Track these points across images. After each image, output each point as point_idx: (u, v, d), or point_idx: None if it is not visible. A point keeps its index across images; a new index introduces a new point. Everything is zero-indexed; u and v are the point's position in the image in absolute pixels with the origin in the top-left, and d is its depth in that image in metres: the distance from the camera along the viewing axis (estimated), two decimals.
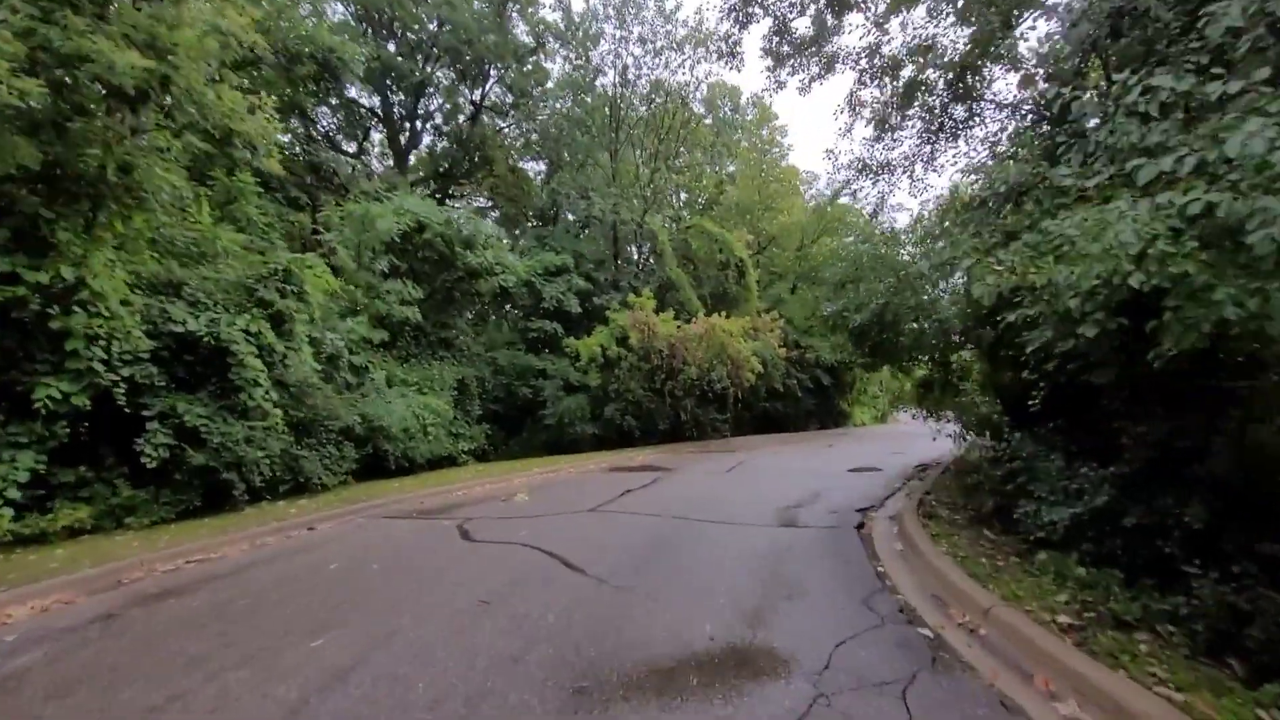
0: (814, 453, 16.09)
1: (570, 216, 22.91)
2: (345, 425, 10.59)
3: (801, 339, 26.91)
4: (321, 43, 14.37)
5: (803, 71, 11.52)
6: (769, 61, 11.63)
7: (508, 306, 19.52)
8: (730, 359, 18.61)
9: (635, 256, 22.18)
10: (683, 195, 30.86)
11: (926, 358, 10.43)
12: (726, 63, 19.58)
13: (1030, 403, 5.97)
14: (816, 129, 74.24)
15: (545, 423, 17.55)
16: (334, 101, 20.57)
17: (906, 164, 11.15)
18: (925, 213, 10.62)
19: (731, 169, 34.02)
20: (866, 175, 12.02)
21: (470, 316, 17.27)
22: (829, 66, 11.27)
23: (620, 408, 18.16)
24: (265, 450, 8.38)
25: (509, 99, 22.88)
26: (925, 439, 21.90)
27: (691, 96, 24.68)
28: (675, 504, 8.45)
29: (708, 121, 33.46)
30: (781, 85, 11.95)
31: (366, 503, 8.79)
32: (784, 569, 5.35)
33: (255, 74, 12.71)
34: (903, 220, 21.55)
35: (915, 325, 8.91)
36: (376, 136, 23.86)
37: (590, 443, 17.94)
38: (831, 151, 37.10)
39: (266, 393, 8.39)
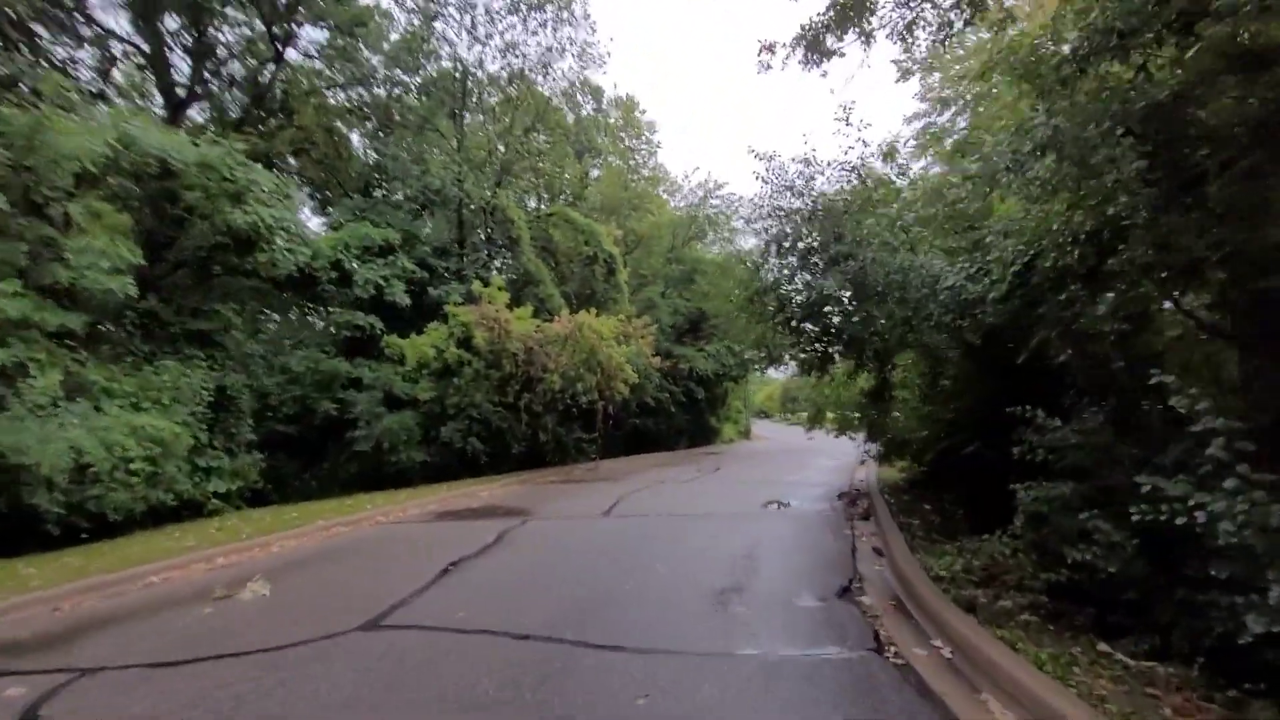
0: (703, 479, 13.31)
1: (403, 195, 18.56)
2: None
3: (674, 348, 24.54)
4: None
5: None
6: None
7: (311, 295, 14.73)
8: (601, 366, 15.43)
9: (485, 243, 18.28)
10: (544, 193, 27.43)
11: (888, 360, 7.95)
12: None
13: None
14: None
15: (357, 448, 13.10)
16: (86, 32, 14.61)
17: None
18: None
19: (597, 173, 31.30)
20: None
21: (246, 304, 12.39)
22: None
23: (462, 427, 14.20)
24: None
25: (327, 41, 18.09)
26: (805, 456, 20.42)
27: (551, 76, 21.53)
28: (530, 598, 4.94)
29: (570, 119, 30.57)
30: None
31: None
32: None
33: None
34: None
35: (917, 296, 6.27)
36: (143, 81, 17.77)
37: (421, 473, 13.76)
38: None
39: None
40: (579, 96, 32.77)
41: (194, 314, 11.04)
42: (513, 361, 14.20)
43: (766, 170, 8.44)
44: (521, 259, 17.47)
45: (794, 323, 8.01)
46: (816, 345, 8.45)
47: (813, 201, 7.85)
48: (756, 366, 28.16)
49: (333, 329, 14.75)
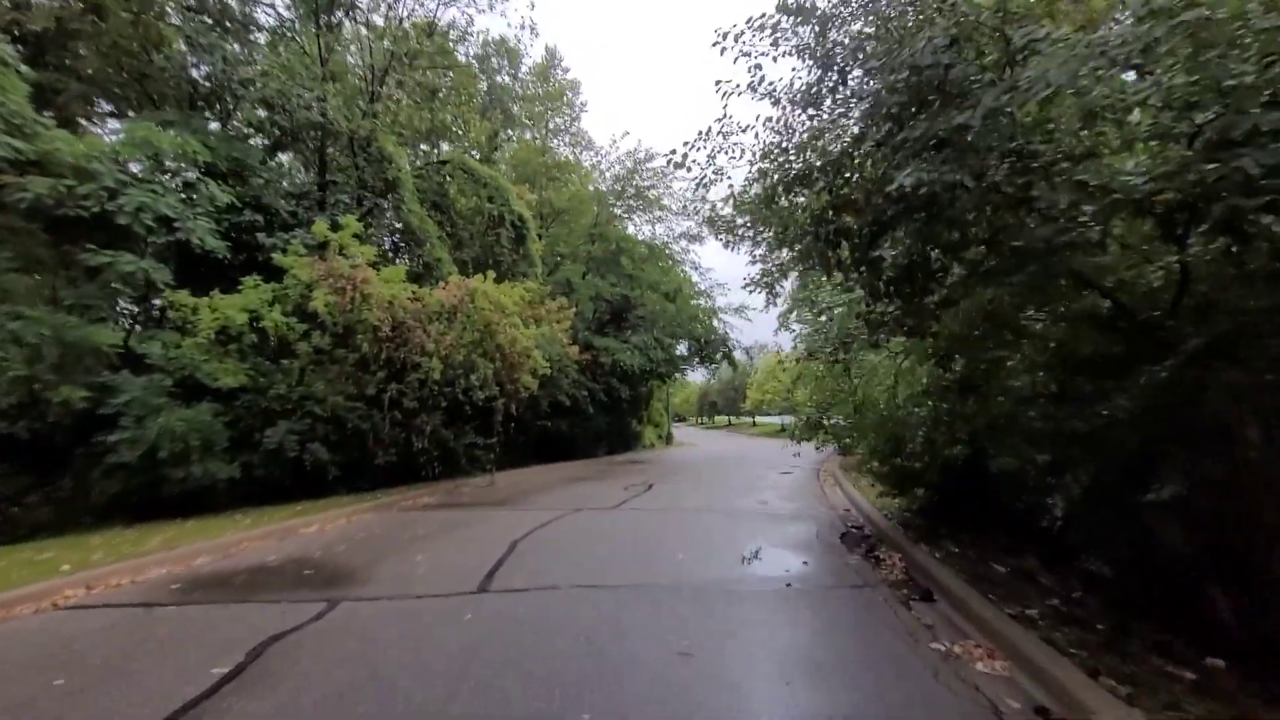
0: (634, 504, 9.84)
1: (243, 116, 13.94)
2: None
3: (594, 338, 21.02)
4: None
5: None
6: None
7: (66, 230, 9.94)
8: (501, 351, 11.67)
9: (356, 187, 13.87)
10: (443, 145, 23.09)
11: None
12: None
13: None
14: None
15: (115, 460, 8.65)
16: None
17: None
18: None
19: (513, 140, 27.22)
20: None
21: None
22: None
23: (300, 429, 10.02)
24: None
25: None
26: (748, 469, 17.09)
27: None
28: None
29: (482, 86, 26.48)
30: None
31: None
32: None
33: None
34: None
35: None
36: None
37: (230, 494, 9.49)
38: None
39: None
40: (492, 59, 28.92)
41: None
42: (372, 338, 10.16)
43: None
44: (402, 210, 13.34)
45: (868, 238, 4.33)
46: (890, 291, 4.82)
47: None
48: (686, 365, 25.22)
49: (102, 282, 10.06)
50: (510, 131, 27.05)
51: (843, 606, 4.62)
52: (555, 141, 26.05)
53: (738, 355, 25.02)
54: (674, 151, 4.59)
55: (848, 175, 4.01)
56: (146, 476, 8.82)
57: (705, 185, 4.78)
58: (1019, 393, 4.35)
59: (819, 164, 4.04)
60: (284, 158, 15.78)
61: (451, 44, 18.15)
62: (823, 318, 6.39)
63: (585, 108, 26.01)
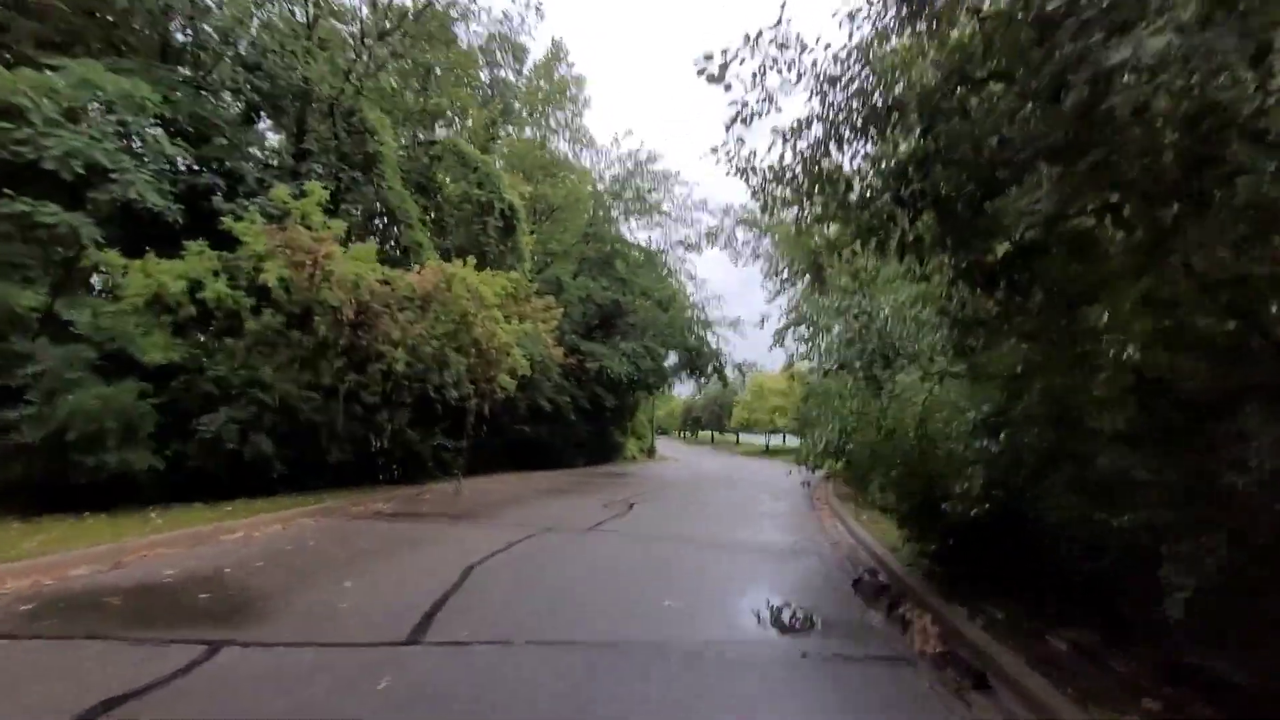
0: (614, 527, 8.75)
1: (219, 77, 12.83)
2: None
3: (582, 342, 19.98)
4: None
5: None
6: None
7: None
8: (478, 346, 10.58)
9: (334, 156, 12.70)
10: (438, 129, 22.05)
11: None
12: None
13: None
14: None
15: (20, 439, 7.44)
16: None
17: None
18: None
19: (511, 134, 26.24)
20: None
21: None
22: None
23: (245, 417, 8.86)
24: None
25: None
26: (739, 491, 15.91)
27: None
28: None
29: (483, 78, 25.63)
30: None
31: None
32: None
33: None
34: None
35: None
36: None
37: (156, 489, 8.29)
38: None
39: None
40: (498, 53, 28.14)
41: None
42: (332, 321, 9.04)
43: None
44: (382, 188, 12.25)
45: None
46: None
47: None
48: (675, 377, 24.24)
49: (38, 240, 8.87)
50: (510, 128, 26.11)
51: (876, 692, 3.59)
52: (555, 139, 25.11)
53: (729, 371, 24.06)
54: (709, 58, 3.50)
55: (951, 112, 3.02)
56: (52, 462, 7.61)
57: (746, 120, 3.72)
58: (1132, 427, 3.35)
59: (913, 94, 3.05)
60: (264, 128, 14.68)
61: (454, 19, 17.18)
62: (857, 323, 5.31)
63: (588, 104, 25.10)
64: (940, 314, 4.46)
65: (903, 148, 3.25)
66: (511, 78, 29.64)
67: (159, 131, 8.89)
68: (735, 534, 8.69)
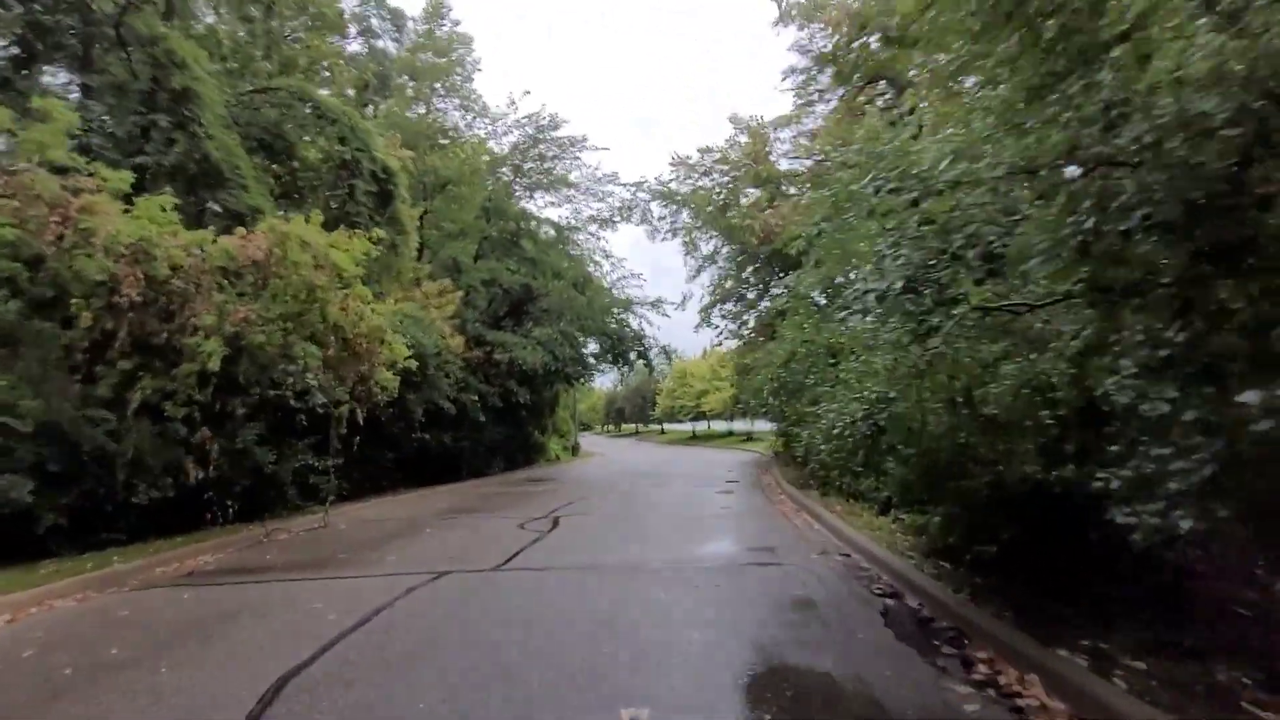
0: (533, 558, 6.52)
1: None
2: None
3: (488, 333, 17.42)
4: None
5: None
6: None
7: None
8: (339, 332, 8.01)
9: (118, 93, 9.53)
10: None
11: None
12: None
13: None
14: None
15: None
16: None
17: None
18: None
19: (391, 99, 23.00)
20: None
21: None
22: None
23: None
24: None
25: None
26: (680, 487, 13.67)
27: None
28: None
29: (356, 47, 22.60)
30: None
31: None
32: None
33: None
34: None
35: None
36: None
37: None
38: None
39: None
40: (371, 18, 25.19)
41: None
42: (104, 305, 6.23)
43: None
44: (199, 136, 9.28)
45: None
46: None
47: None
48: (596, 366, 22.12)
49: None
50: (389, 101, 22.87)
51: None
52: (443, 105, 22.16)
53: (654, 355, 22.16)
54: None
55: None
56: None
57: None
58: None
59: None
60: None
61: None
62: (896, 253, 3.32)
63: (478, 66, 22.32)
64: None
65: None
66: (392, 49, 26.36)
67: None
68: (694, 550, 6.71)
